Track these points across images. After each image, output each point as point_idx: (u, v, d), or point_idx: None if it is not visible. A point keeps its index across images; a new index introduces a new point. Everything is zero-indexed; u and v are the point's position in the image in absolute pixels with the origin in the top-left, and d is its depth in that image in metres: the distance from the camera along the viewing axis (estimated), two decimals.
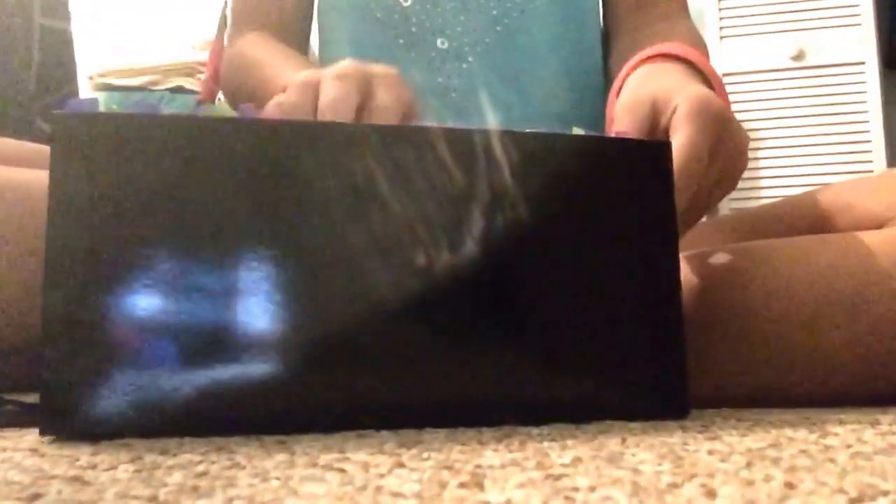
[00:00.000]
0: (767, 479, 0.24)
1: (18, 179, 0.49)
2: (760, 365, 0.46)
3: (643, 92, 0.47)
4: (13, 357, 0.48)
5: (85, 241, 0.33)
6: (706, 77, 0.53)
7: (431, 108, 0.69)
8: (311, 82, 0.44)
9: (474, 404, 0.36)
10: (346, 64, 0.46)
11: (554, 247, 0.38)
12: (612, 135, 0.45)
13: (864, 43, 1.97)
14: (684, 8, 0.76)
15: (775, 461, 0.27)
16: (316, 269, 0.35)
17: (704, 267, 0.49)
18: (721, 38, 2.05)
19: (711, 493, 0.22)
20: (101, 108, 0.35)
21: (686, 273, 0.48)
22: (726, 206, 1.89)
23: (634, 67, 0.53)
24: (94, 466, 0.26)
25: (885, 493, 0.22)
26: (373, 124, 0.42)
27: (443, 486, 0.23)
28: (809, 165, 1.99)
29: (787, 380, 0.46)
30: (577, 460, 0.27)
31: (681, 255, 0.41)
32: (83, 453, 0.29)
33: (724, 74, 2.02)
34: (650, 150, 0.41)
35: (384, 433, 0.34)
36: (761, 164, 2.00)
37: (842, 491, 0.22)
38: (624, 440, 0.32)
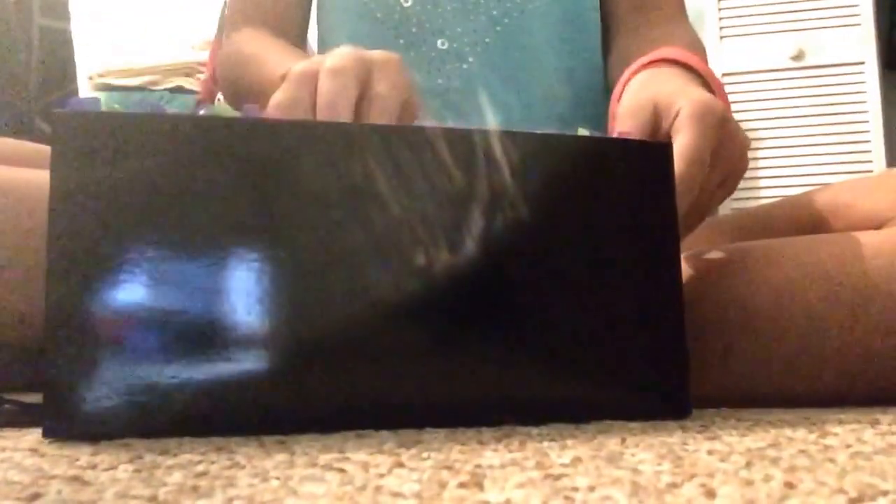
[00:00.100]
0: (767, 478, 0.24)
1: (18, 179, 0.49)
2: (761, 365, 0.46)
3: (644, 96, 0.47)
4: (12, 357, 0.48)
5: (86, 240, 0.33)
6: (706, 81, 0.53)
7: (431, 108, 0.69)
8: (308, 75, 0.43)
9: (474, 404, 0.36)
10: (343, 53, 0.44)
11: (554, 247, 0.38)
12: (615, 136, 0.45)
13: (863, 43, 1.96)
14: (682, 9, 0.76)
15: (775, 461, 0.27)
16: (316, 269, 0.35)
17: (704, 267, 0.49)
18: (721, 38, 2.05)
19: (711, 493, 0.22)
20: (102, 108, 0.35)
21: (686, 273, 0.48)
22: (726, 206, 1.89)
23: (635, 72, 0.54)
24: (93, 466, 0.26)
25: (885, 493, 0.22)
26: (373, 124, 0.41)
27: (442, 485, 0.23)
28: (809, 165, 1.99)
29: (787, 380, 0.46)
30: (576, 460, 0.27)
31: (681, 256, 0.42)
32: (83, 453, 0.29)
33: (724, 74, 2.02)
34: (651, 150, 0.41)
35: (384, 433, 0.34)
36: (761, 164, 2.00)
37: (841, 491, 0.22)
38: (623, 440, 0.32)
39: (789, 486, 0.23)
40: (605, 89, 0.74)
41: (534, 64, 0.71)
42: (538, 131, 0.39)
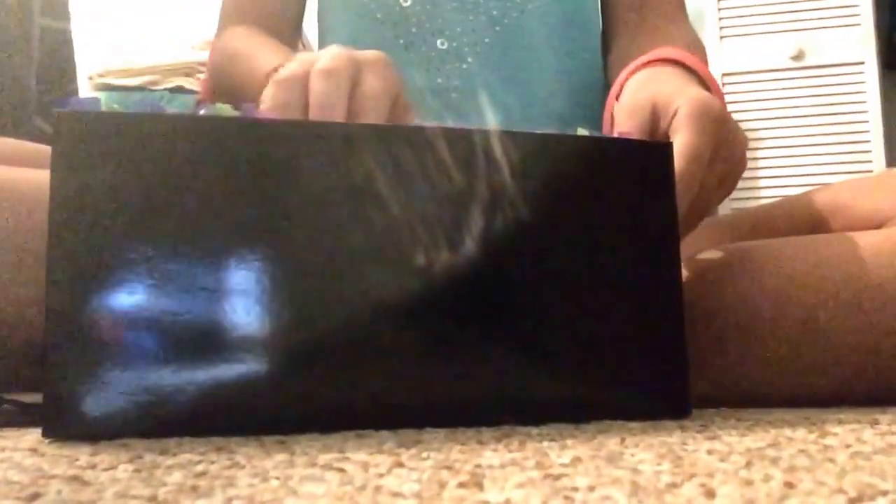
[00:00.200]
0: (766, 478, 0.24)
1: (18, 179, 0.49)
2: (760, 365, 0.46)
3: (643, 96, 0.47)
4: (11, 357, 0.48)
5: (86, 240, 0.33)
6: (703, 81, 0.53)
7: (431, 108, 0.69)
8: (298, 77, 0.43)
9: (474, 404, 0.36)
10: (333, 53, 0.44)
11: (554, 247, 0.38)
12: (615, 136, 0.45)
13: (863, 43, 1.97)
14: (683, 9, 0.76)
15: (774, 461, 0.27)
16: (316, 269, 0.35)
17: (704, 267, 0.49)
18: (721, 38, 2.05)
19: (710, 493, 0.22)
20: (102, 108, 0.35)
21: (686, 273, 0.48)
22: (726, 206, 1.89)
23: (633, 72, 0.54)
24: (93, 466, 0.26)
25: (885, 493, 0.22)
26: (373, 124, 0.41)
27: (442, 485, 0.23)
28: (809, 165, 1.99)
29: (787, 380, 0.46)
30: (576, 460, 0.27)
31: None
32: (82, 453, 0.29)
33: (724, 74, 2.02)
34: (651, 150, 0.41)
35: (383, 433, 0.34)
36: (761, 164, 2.00)
37: (841, 491, 0.22)
38: (623, 440, 0.32)
39: (789, 485, 0.23)
40: (605, 89, 0.74)
41: (533, 64, 0.71)
42: (538, 131, 0.39)
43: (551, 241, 0.38)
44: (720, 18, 2.06)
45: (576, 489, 0.23)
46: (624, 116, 0.47)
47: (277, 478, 0.25)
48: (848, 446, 0.30)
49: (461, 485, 0.24)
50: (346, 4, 0.74)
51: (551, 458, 0.28)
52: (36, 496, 0.22)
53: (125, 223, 0.34)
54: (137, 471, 0.26)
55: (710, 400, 0.46)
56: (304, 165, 0.35)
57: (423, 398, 0.36)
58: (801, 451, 0.29)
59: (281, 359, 0.34)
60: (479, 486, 0.23)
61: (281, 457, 0.28)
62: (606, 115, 0.54)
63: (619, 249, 0.39)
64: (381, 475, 0.25)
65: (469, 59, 0.70)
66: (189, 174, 0.34)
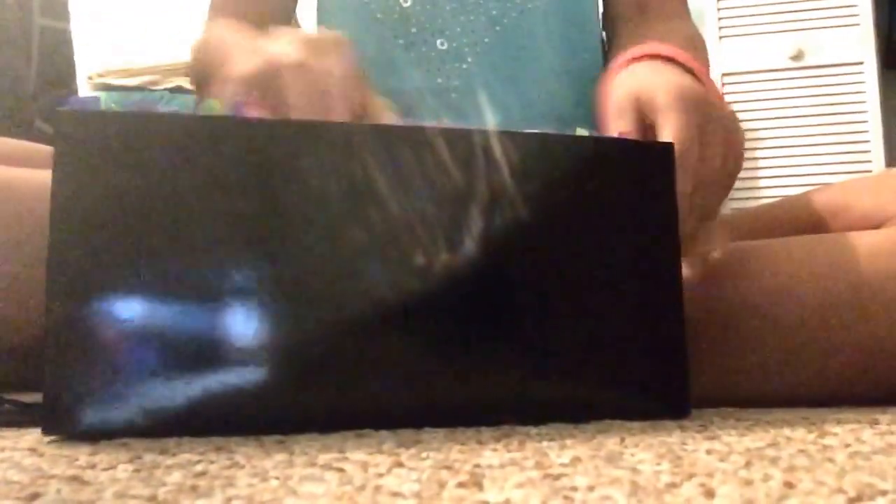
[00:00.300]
0: (766, 478, 0.24)
1: (18, 179, 0.49)
2: (760, 365, 0.46)
3: (623, 94, 0.47)
4: (10, 356, 0.48)
5: (87, 239, 0.33)
6: (696, 75, 0.52)
7: (431, 108, 0.69)
8: (268, 75, 0.42)
9: (474, 404, 0.36)
10: (292, 42, 0.44)
11: (555, 247, 0.38)
12: (615, 136, 0.45)
13: (862, 43, 1.97)
14: (684, 7, 0.76)
15: (774, 461, 0.27)
16: (316, 269, 0.35)
17: (704, 267, 0.49)
18: (720, 38, 2.05)
19: (710, 493, 0.22)
20: (102, 108, 0.35)
21: (686, 273, 0.48)
22: (726, 205, 1.89)
23: (617, 69, 0.53)
24: (93, 466, 0.26)
25: (884, 493, 0.22)
26: (373, 124, 0.41)
27: (442, 485, 0.23)
28: (808, 165, 1.99)
29: (787, 380, 0.46)
30: (576, 460, 0.27)
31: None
32: (82, 453, 0.29)
33: (724, 74, 2.02)
34: (652, 151, 0.41)
35: (383, 433, 0.34)
36: (760, 164, 2.00)
37: (840, 490, 0.22)
38: (623, 440, 0.32)
39: (788, 485, 0.23)
40: None
41: (533, 64, 0.71)
42: (538, 131, 0.39)
43: (551, 242, 0.38)
44: (719, 18, 2.06)
45: (575, 489, 0.23)
46: (614, 119, 0.46)
47: (277, 478, 0.25)
48: (847, 446, 0.30)
49: (461, 485, 0.24)
50: (346, 4, 0.74)
51: (551, 457, 0.28)
52: (36, 496, 0.22)
53: (126, 222, 0.34)
54: (137, 471, 0.26)
55: (709, 400, 0.46)
56: (303, 165, 0.35)
57: (422, 398, 0.36)
58: (801, 451, 0.29)
59: (280, 359, 0.34)
60: (479, 486, 0.23)
61: (280, 457, 0.28)
62: (596, 111, 0.54)
63: (619, 249, 0.39)
64: (380, 475, 0.25)
65: (469, 59, 0.70)
66: (189, 174, 0.34)
